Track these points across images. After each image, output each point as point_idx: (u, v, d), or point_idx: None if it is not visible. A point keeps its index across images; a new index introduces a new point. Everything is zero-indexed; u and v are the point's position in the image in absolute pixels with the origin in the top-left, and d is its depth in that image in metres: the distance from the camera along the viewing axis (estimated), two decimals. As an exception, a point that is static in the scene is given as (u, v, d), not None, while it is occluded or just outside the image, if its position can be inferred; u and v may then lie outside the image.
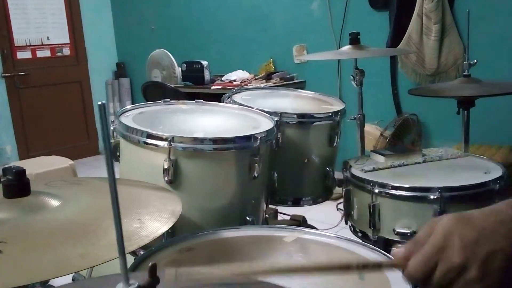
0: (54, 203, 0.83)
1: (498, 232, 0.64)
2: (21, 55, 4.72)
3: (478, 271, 0.62)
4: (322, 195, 1.71)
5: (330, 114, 1.63)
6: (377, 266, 0.79)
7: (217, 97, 2.14)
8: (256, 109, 1.53)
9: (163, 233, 1.18)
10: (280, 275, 0.67)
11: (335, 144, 1.65)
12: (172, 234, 1.20)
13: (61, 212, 0.81)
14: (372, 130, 3.19)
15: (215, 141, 1.23)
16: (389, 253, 0.93)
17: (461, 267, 0.62)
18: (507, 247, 0.63)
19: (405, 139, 3.20)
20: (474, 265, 0.62)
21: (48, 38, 4.88)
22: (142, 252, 1.10)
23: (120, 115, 1.38)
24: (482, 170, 1.48)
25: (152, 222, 0.80)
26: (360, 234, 1.53)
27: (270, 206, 1.70)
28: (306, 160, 1.63)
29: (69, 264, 0.66)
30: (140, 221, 0.79)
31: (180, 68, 4.08)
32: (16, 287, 0.62)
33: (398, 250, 0.69)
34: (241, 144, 1.26)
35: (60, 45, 4.98)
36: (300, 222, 2.15)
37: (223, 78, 4.04)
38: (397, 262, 0.69)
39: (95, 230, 0.76)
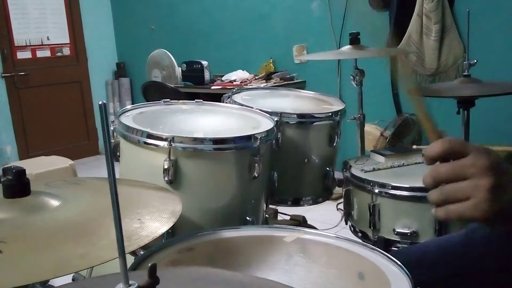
0: (54, 203, 0.83)
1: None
2: (21, 55, 4.72)
3: (493, 182, 0.66)
4: (322, 195, 1.71)
5: (330, 114, 1.63)
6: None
7: (217, 97, 2.14)
8: (256, 109, 1.53)
9: (163, 233, 1.18)
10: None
11: (335, 144, 1.65)
12: (172, 234, 1.20)
13: (61, 212, 0.81)
14: (372, 130, 3.19)
15: (215, 141, 1.23)
16: (389, 253, 0.93)
17: (483, 167, 0.67)
18: None
19: (405, 139, 3.20)
20: (492, 177, 0.66)
21: (48, 38, 4.88)
22: (142, 252, 1.10)
23: (120, 115, 1.38)
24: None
25: (152, 222, 0.80)
26: (360, 234, 1.53)
27: (270, 206, 1.69)
28: (306, 160, 1.63)
29: (69, 264, 0.66)
30: (140, 221, 0.79)
31: (180, 68, 4.08)
32: (16, 287, 0.62)
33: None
34: (241, 144, 1.26)
35: (60, 45, 4.98)
36: (300, 222, 2.15)
37: (223, 78, 4.04)
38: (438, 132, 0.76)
39: (95, 230, 0.76)
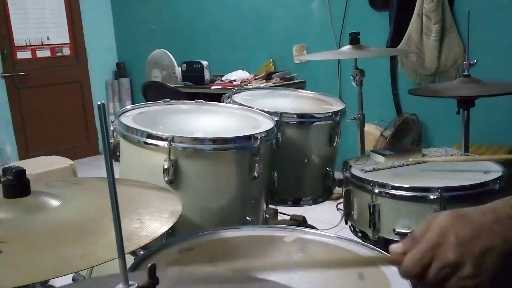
0: (54, 203, 0.83)
1: (494, 230, 0.64)
2: (21, 55, 4.72)
3: (472, 268, 0.62)
4: (322, 195, 1.71)
5: (330, 114, 1.63)
6: (373, 262, 0.79)
7: (217, 97, 2.14)
8: (256, 109, 1.53)
9: (163, 233, 1.18)
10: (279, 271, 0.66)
11: (335, 144, 1.65)
12: (172, 234, 1.20)
13: (61, 212, 0.81)
14: (372, 130, 3.19)
15: (215, 141, 1.23)
16: (389, 253, 0.93)
17: (455, 263, 0.63)
18: (502, 245, 0.63)
19: (405, 139, 3.20)
20: (469, 262, 0.62)
21: (48, 38, 4.88)
22: (142, 252, 1.10)
23: (120, 115, 1.38)
24: (482, 170, 1.48)
25: (152, 222, 0.80)
26: (360, 234, 1.53)
27: (270, 206, 1.69)
28: (306, 160, 1.63)
29: (69, 264, 0.66)
30: (140, 221, 0.79)
31: (180, 68, 4.08)
32: (16, 287, 0.62)
33: (395, 246, 0.70)
34: (241, 144, 1.26)
35: (60, 45, 4.98)
36: (300, 222, 2.15)
37: (223, 78, 4.04)
38: (394, 258, 0.69)
39: (95, 230, 0.76)
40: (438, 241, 0.65)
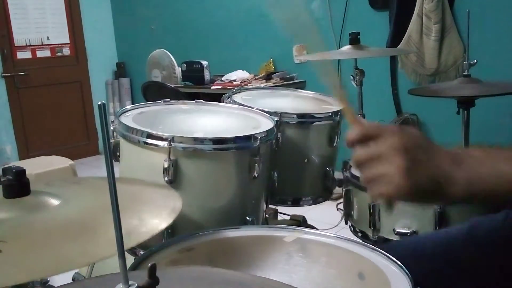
0: (54, 202, 0.83)
1: (442, 154, 0.72)
2: (21, 55, 4.72)
3: (405, 160, 0.68)
4: (322, 195, 1.71)
5: (330, 114, 1.63)
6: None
7: (217, 97, 2.14)
8: (256, 109, 1.53)
9: (163, 233, 1.18)
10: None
11: (335, 144, 1.65)
12: (172, 234, 1.20)
13: (61, 212, 0.81)
14: (372, 130, 3.19)
15: (215, 141, 1.23)
16: (388, 251, 0.93)
17: (394, 147, 0.69)
18: (439, 166, 0.70)
19: (405, 139, 3.19)
20: (406, 154, 0.69)
21: (48, 38, 4.88)
22: (142, 252, 1.10)
23: (120, 115, 1.38)
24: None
25: (151, 219, 0.80)
26: (360, 234, 1.53)
27: (270, 206, 1.69)
28: (306, 160, 1.63)
29: (68, 261, 0.66)
30: (140, 218, 0.79)
31: (180, 68, 4.08)
32: (15, 286, 0.62)
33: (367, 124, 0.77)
34: (241, 144, 1.26)
35: (60, 45, 4.98)
36: (300, 222, 2.15)
37: (223, 78, 4.04)
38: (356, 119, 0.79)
39: (95, 228, 0.76)
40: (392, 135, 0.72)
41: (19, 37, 4.68)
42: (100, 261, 0.66)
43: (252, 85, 3.67)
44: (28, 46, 4.75)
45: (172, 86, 3.79)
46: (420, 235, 1.35)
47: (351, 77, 1.97)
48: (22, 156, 4.64)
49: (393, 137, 0.70)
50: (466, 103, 1.92)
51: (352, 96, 2.07)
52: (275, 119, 1.46)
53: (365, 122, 0.76)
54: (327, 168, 1.67)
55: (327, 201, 1.76)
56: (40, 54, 4.84)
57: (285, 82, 3.72)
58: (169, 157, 1.20)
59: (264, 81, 3.78)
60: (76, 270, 1.51)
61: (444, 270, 0.98)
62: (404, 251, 0.91)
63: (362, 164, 0.73)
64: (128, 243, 0.69)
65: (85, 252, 0.67)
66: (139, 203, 0.87)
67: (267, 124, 1.40)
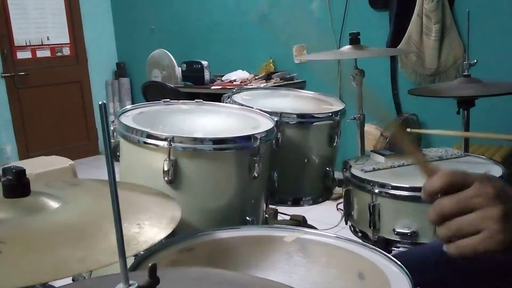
0: (54, 204, 0.83)
1: None
2: (21, 55, 4.72)
3: (502, 212, 0.63)
4: (322, 195, 1.71)
5: (330, 114, 1.63)
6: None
7: (217, 97, 2.14)
8: (256, 109, 1.53)
9: (163, 233, 1.18)
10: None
11: (335, 144, 1.65)
12: (172, 234, 1.20)
13: (60, 214, 0.81)
14: (372, 130, 3.19)
15: (215, 141, 1.23)
16: (389, 253, 0.93)
17: (490, 196, 0.63)
18: None
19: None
20: (501, 206, 0.63)
21: (48, 38, 4.88)
22: (142, 252, 1.10)
23: (120, 115, 1.38)
24: (482, 170, 1.48)
25: (151, 228, 0.79)
26: (360, 234, 1.53)
27: (270, 206, 1.69)
28: (306, 160, 1.63)
29: (67, 267, 0.65)
30: (139, 226, 0.78)
31: (180, 68, 4.08)
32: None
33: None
34: (241, 144, 1.26)
35: (60, 45, 4.98)
36: (300, 222, 2.15)
37: (223, 78, 4.04)
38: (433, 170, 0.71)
39: (94, 233, 0.76)
40: (478, 193, 0.65)
41: (19, 37, 4.68)
42: (100, 268, 0.66)
43: (252, 85, 3.67)
44: (28, 46, 4.75)
45: (172, 86, 3.79)
46: (422, 246, 1.34)
47: (351, 77, 1.97)
48: (22, 156, 4.64)
49: (486, 186, 0.64)
50: (466, 103, 1.92)
51: (352, 96, 2.06)
52: (275, 119, 1.46)
53: (446, 171, 0.68)
54: (327, 168, 1.68)
55: (327, 201, 1.76)
56: (40, 54, 4.84)
57: (285, 82, 3.72)
58: (169, 157, 1.20)
59: (264, 81, 3.78)
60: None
61: (448, 279, 0.98)
62: (408, 262, 0.90)
63: (446, 215, 0.66)
64: (127, 252, 0.69)
65: (84, 258, 0.67)
66: (139, 211, 0.87)
67: (267, 124, 1.40)
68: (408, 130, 1.59)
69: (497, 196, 0.64)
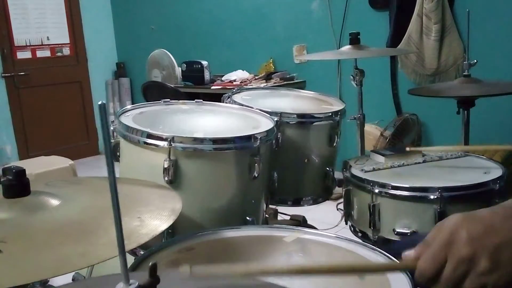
0: (54, 202, 0.83)
1: (506, 226, 0.64)
2: (21, 55, 4.72)
3: (488, 262, 0.62)
4: (322, 195, 1.71)
5: (330, 114, 1.63)
6: (386, 269, 0.79)
7: (217, 97, 2.13)
8: (256, 109, 1.53)
9: (163, 233, 1.18)
10: (281, 276, 0.67)
11: (335, 144, 1.65)
12: (172, 234, 1.20)
13: (61, 212, 0.81)
14: (372, 130, 3.19)
15: (215, 141, 1.23)
16: (389, 253, 0.93)
17: (470, 258, 0.62)
18: None
19: (405, 139, 3.20)
20: (484, 256, 0.62)
21: (48, 38, 4.88)
22: (142, 252, 1.10)
23: (120, 115, 1.38)
24: (482, 170, 1.48)
25: (152, 220, 0.80)
26: (360, 234, 1.53)
27: (270, 206, 1.69)
28: (306, 160, 1.63)
29: (69, 263, 0.66)
30: (140, 219, 0.79)
31: (180, 68, 4.08)
32: (15, 287, 0.62)
33: (408, 252, 0.69)
34: (241, 144, 1.26)
35: (60, 45, 4.98)
36: (300, 222, 2.15)
37: (223, 78, 4.04)
38: (408, 263, 0.69)
39: (95, 229, 0.76)
40: (450, 239, 0.64)
41: (19, 37, 4.68)
42: (100, 263, 0.66)
43: (252, 85, 3.67)
44: (28, 46, 4.75)
45: (172, 86, 3.79)
46: (420, 234, 1.35)
47: (351, 77, 1.97)
48: (22, 156, 4.64)
49: (463, 248, 0.63)
50: (466, 103, 1.92)
51: (352, 96, 2.07)
52: (275, 119, 1.46)
53: (420, 264, 0.66)
54: (327, 168, 1.68)
55: (327, 201, 1.76)
56: (40, 54, 4.84)
57: (285, 82, 3.72)
58: (169, 157, 1.20)
59: (264, 81, 3.78)
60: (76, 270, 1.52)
61: None
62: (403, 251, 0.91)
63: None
64: (128, 245, 0.69)
65: (85, 254, 0.67)
66: (139, 205, 0.87)
67: (267, 124, 1.40)
68: (408, 149, 1.61)
69: (474, 252, 0.62)
